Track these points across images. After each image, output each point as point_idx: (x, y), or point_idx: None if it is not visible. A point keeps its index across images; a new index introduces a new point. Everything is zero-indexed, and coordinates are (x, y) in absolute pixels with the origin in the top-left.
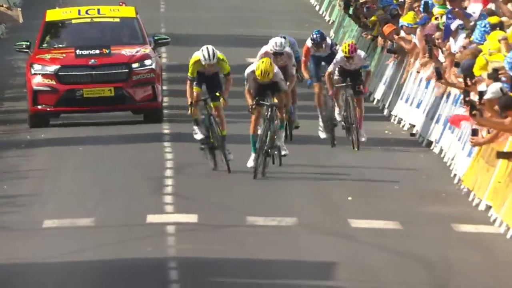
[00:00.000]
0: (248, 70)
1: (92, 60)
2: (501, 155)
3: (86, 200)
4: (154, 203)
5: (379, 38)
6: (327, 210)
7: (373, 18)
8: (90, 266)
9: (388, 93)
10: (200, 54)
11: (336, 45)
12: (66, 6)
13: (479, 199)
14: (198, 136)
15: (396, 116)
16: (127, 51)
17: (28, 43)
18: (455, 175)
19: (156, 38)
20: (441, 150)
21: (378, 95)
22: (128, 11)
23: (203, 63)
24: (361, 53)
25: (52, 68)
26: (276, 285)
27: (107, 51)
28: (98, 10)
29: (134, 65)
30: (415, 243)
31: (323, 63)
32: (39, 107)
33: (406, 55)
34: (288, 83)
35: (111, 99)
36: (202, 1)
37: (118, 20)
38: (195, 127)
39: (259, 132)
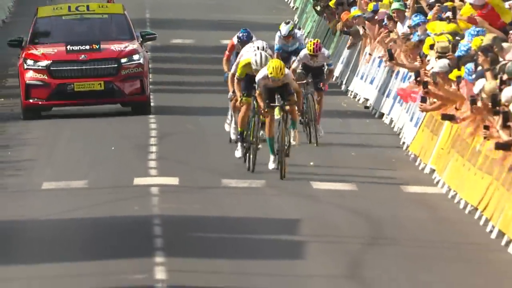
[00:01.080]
0: (259, 76)
1: (83, 56)
2: (445, 117)
3: (79, 166)
4: (140, 168)
5: (338, 24)
6: (292, 174)
7: (331, 3)
8: (83, 223)
9: (345, 71)
10: (253, 58)
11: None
12: (57, 3)
13: (424, 164)
14: (238, 154)
15: (352, 91)
16: (116, 47)
17: (20, 39)
18: (403, 143)
19: (143, 34)
20: (391, 121)
21: (336, 72)
22: (116, 8)
23: (253, 67)
24: (325, 51)
25: (44, 63)
26: (248, 240)
27: (97, 47)
28: (88, 6)
29: (123, 60)
30: (368, 202)
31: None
32: (32, 100)
33: (361, 39)
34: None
35: (101, 93)
36: None
37: (106, 16)
38: (239, 145)
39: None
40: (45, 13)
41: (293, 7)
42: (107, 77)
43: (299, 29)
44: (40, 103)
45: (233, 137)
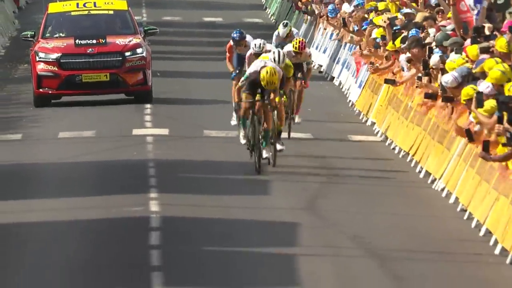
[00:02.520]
0: (250, 70)
1: (90, 49)
2: (387, 81)
3: (89, 120)
4: (138, 121)
5: (298, 3)
6: None
7: None
8: (91, 165)
9: None
10: (271, 55)
11: None
12: (66, 0)
13: (367, 118)
14: (243, 140)
15: None
16: (120, 41)
17: (32, 33)
18: (350, 100)
19: (145, 28)
20: (340, 83)
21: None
22: (121, 4)
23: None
24: (308, 50)
25: (54, 56)
26: (226, 179)
27: (103, 41)
28: (94, 3)
29: (127, 53)
30: (322, 148)
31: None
32: (42, 90)
33: (317, 16)
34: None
35: (107, 84)
36: None
37: (112, 12)
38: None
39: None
40: (55, 9)
41: None
42: (112, 69)
43: (265, 9)
44: (50, 92)
45: (242, 142)
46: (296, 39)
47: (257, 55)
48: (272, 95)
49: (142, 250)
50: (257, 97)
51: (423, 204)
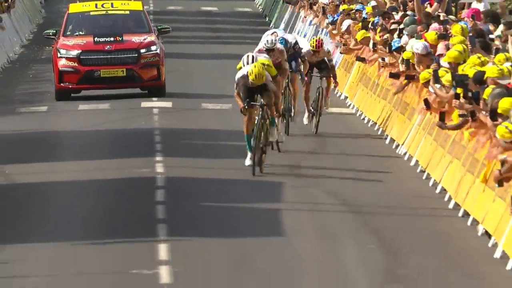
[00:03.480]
0: (238, 75)
1: (108, 46)
2: (358, 58)
3: (104, 96)
4: (146, 95)
5: None
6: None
7: None
8: (106, 132)
9: (286, 29)
10: (244, 58)
11: (296, 44)
12: (85, 0)
13: (341, 93)
14: (248, 159)
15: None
16: (136, 39)
17: (54, 31)
18: None
19: (159, 27)
20: None
21: (281, 32)
22: (136, 5)
23: (249, 74)
24: (326, 47)
25: (74, 53)
26: (221, 145)
27: (120, 39)
28: (112, 4)
29: (142, 50)
30: (301, 119)
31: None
32: (63, 84)
33: (300, 6)
34: (278, 78)
35: (124, 79)
36: None
37: (128, 12)
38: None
39: (254, 132)
40: (75, 9)
41: None
42: (128, 65)
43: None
44: (70, 86)
45: (248, 163)
46: (313, 38)
47: (268, 50)
48: (267, 99)
49: (149, 206)
50: (264, 100)
51: (389, 166)
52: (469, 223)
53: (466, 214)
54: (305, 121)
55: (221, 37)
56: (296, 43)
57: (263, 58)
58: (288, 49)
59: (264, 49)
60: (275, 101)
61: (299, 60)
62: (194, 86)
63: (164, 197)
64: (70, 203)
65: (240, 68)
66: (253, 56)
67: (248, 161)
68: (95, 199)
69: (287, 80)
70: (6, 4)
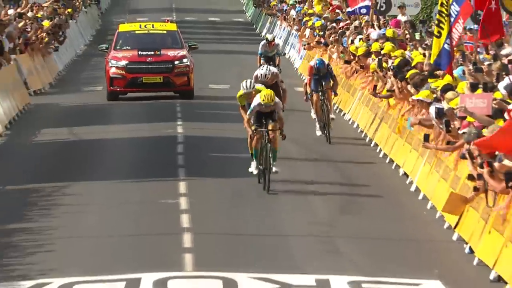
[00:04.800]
0: (254, 103)
1: (149, 59)
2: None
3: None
4: None
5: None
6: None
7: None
8: (142, 104)
9: (267, 32)
10: (243, 84)
11: (329, 65)
12: (132, 22)
13: (303, 76)
14: (254, 171)
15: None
16: (171, 53)
17: (107, 46)
18: (295, 67)
19: (189, 44)
20: (289, 56)
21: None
22: (172, 26)
23: (243, 91)
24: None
25: (122, 63)
26: (223, 113)
27: (159, 53)
28: (153, 25)
29: (176, 62)
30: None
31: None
32: (113, 88)
33: (276, 17)
34: (283, 99)
35: (161, 84)
36: None
37: (165, 32)
38: (252, 163)
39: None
40: (124, 29)
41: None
42: (165, 73)
43: (245, 13)
44: (118, 89)
45: (254, 172)
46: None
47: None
48: (272, 125)
49: (172, 155)
50: (270, 126)
51: (375, 175)
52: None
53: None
54: (318, 132)
55: (222, 39)
56: (329, 64)
57: (259, 86)
58: (325, 67)
59: (259, 80)
60: (280, 127)
61: (330, 77)
62: (203, 73)
63: (183, 150)
64: (118, 153)
65: (241, 95)
66: (250, 81)
67: (252, 168)
68: (134, 151)
69: (322, 97)
70: (70, 11)
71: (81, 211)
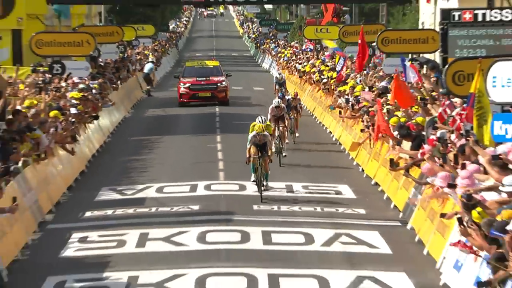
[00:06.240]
0: (250, 135)
1: (202, 82)
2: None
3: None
4: None
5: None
6: None
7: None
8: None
9: (261, 63)
10: (258, 119)
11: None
12: (193, 60)
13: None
14: (252, 178)
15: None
16: (215, 78)
17: (178, 75)
18: (275, 76)
19: (226, 73)
20: (272, 74)
21: (266, 65)
22: (216, 63)
23: (256, 128)
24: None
25: (187, 85)
26: (245, 107)
27: (208, 78)
28: (205, 62)
29: (218, 84)
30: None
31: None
32: (182, 99)
33: (266, 52)
34: (284, 124)
35: (209, 98)
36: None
37: (212, 66)
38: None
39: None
40: (188, 65)
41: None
42: (212, 91)
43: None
44: (185, 101)
45: (252, 179)
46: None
47: (277, 107)
48: (265, 157)
49: (213, 123)
50: (263, 154)
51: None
52: None
53: None
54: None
55: (238, 64)
56: (289, 99)
57: (257, 123)
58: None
59: (274, 106)
60: (268, 156)
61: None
62: (229, 80)
63: (219, 120)
64: (185, 122)
65: (253, 125)
66: (263, 118)
67: (252, 177)
68: (193, 120)
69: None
70: (163, 50)
71: (167, 150)
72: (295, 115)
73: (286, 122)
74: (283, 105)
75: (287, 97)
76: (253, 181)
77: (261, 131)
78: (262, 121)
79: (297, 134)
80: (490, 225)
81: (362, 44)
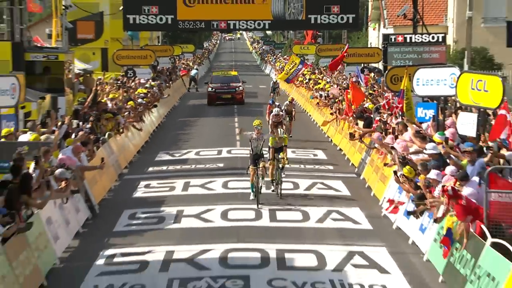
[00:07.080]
0: (252, 145)
1: (225, 87)
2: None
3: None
4: None
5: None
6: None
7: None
8: (219, 108)
9: (264, 70)
10: (275, 110)
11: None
12: (218, 70)
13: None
14: (251, 196)
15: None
16: (234, 84)
17: (207, 81)
18: (277, 80)
19: (243, 81)
20: (272, 77)
21: (267, 71)
22: (235, 73)
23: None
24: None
25: (213, 89)
26: (255, 105)
27: (229, 84)
28: (227, 72)
29: (237, 88)
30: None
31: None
32: (209, 100)
33: (267, 62)
34: (284, 130)
35: (230, 99)
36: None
37: (232, 75)
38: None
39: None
40: (215, 74)
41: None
42: (232, 94)
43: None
44: (212, 101)
45: (252, 198)
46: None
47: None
48: (262, 163)
49: (232, 112)
50: (260, 164)
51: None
52: None
53: None
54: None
55: (248, 70)
56: (285, 104)
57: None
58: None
59: (274, 114)
60: (263, 164)
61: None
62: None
63: (236, 111)
64: (212, 111)
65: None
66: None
67: (252, 197)
68: (217, 111)
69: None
70: (199, 61)
71: (202, 127)
72: (289, 120)
73: (284, 127)
74: (281, 113)
75: (282, 107)
76: (252, 199)
77: (257, 124)
78: (279, 109)
79: (291, 135)
80: (424, 169)
81: (341, 56)
